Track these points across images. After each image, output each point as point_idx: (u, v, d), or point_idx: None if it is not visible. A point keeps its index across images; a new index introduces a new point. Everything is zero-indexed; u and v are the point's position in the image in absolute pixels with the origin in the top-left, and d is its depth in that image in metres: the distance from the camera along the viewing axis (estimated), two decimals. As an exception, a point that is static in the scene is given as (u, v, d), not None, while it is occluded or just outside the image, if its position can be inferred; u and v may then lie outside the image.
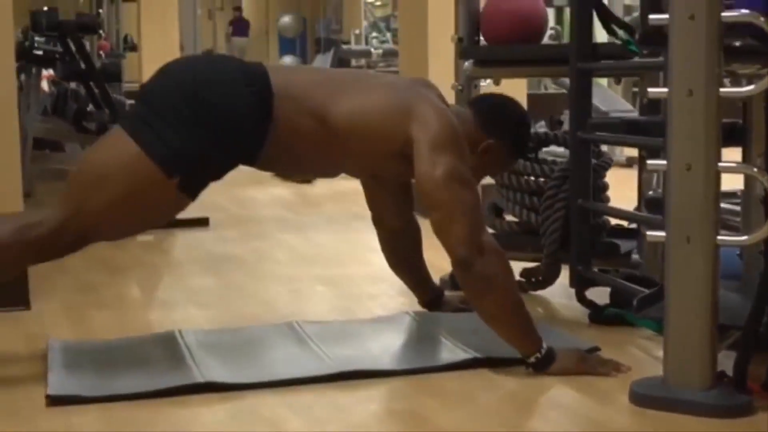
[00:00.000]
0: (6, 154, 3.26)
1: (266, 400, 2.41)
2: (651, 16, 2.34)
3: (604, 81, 8.10)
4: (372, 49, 13.21)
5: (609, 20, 3.18)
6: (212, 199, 5.97)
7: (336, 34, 18.26)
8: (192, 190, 2.62)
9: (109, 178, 2.54)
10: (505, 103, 2.93)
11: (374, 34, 16.35)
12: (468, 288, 2.58)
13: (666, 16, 2.27)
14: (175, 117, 2.54)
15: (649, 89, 2.46)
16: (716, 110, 2.25)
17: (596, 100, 6.36)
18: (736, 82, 3.00)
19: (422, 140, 2.63)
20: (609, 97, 6.76)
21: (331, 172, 2.97)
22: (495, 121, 2.86)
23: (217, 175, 2.69)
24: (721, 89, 2.24)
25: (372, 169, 2.88)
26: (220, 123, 2.57)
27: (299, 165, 2.84)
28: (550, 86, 9.05)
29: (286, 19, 19.44)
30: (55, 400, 2.38)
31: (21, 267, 2.66)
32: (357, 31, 16.18)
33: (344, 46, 14.33)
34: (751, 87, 2.28)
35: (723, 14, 2.22)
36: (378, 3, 19.11)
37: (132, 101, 6.16)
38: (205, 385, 2.46)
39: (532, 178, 3.40)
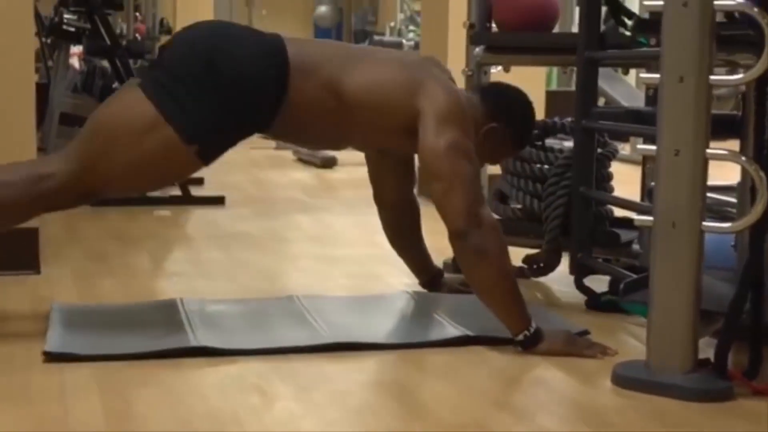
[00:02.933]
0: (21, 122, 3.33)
1: (256, 366, 2.46)
2: (645, 2, 2.38)
3: (631, 79, 8.10)
4: (404, 41, 13.24)
5: (617, 9, 3.20)
6: (231, 179, 6.08)
7: (371, 26, 18.29)
8: (208, 157, 2.69)
9: (127, 138, 2.60)
10: (511, 90, 2.98)
11: (411, 27, 16.37)
12: (462, 258, 2.63)
13: (660, 2, 2.30)
14: (195, 85, 2.60)
15: (641, 74, 2.49)
16: (706, 97, 2.27)
17: (618, 95, 6.40)
18: (734, 73, 3.01)
19: (429, 113, 2.70)
20: (633, 93, 6.76)
21: (338, 144, 3.04)
22: (499, 106, 2.90)
23: (233, 142, 2.75)
24: (712, 77, 2.27)
25: (379, 142, 2.93)
26: (238, 94, 2.63)
27: (309, 135, 2.90)
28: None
29: (322, 9, 19.47)
30: (51, 357, 2.45)
31: (28, 217, 2.71)
32: (392, 24, 16.20)
33: (377, 38, 14.37)
34: (740, 75, 2.30)
35: (715, 2, 2.25)
36: (416, -4, 19.12)
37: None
38: (197, 350, 2.51)
39: (537, 165, 3.43)
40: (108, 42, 5.42)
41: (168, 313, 2.85)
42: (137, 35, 11.86)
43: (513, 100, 2.94)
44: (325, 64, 2.75)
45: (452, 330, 2.74)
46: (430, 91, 2.73)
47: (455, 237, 2.61)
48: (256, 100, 2.67)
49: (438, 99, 2.71)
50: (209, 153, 2.68)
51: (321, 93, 2.72)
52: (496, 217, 3.53)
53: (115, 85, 5.87)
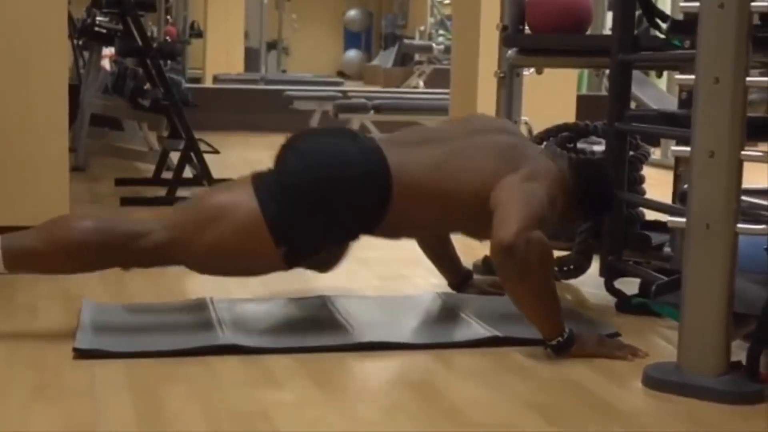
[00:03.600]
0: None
1: (286, 365, 2.46)
2: (682, 4, 2.36)
3: (662, 84, 8.07)
4: (434, 45, 13.25)
5: (652, 12, 3.19)
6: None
7: (401, 30, 18.31)
8: (293, 263, 2.74)
9: (226, 223, 2.65)
10: (602, 177, 2.97)
11: (441, 31, 16.37)
12: (506, 273, 2.59)
13: (697, 3, 2.28)
14: (301, 200, 2.66)
15: (677, 75, 2.48)
16: (742, 99, 2.26)
17: (648, 99, 6.37)
18: (768, 75, 3.00)
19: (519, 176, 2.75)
20: (663, 97, 6.72)
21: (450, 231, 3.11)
22: (588, 192, 2.89)
23: (321, 250, 2.81)
24: (748, 78, 2.25)
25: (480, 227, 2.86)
26: (340, 218, 2.71)
27: (414, 233, 3.03)
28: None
29: (352, 13, 19.53)
30: (81, 353, 2.46)
31: (110, 266, 2.76)
32: (422, 28, 16.22)
33: (407, 41, 14.39)
34: (777, 76, 2.28)
35: (752, 4, 2.23)
36: (446, 1, 19.13)
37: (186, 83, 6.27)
38: (227, 347, 2.52)
39: (569, 167, 3.41)
40: (140, 43, 5.44)
41: (198, 312, 2.86)
42: (167, 37, 11.96)
43: (602, 188, 2.94)
44: (427, 172, 2.75)
45: (481, 330, 2.73)
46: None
47: (502, 250, 2.56)
48: (357, 220, 2.75)
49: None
50: (295, 259, 2.73)
51: (423, 198, 2.75)
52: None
53: (147, 86, 5.92)
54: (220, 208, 2.69)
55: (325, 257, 2.84)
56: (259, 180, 2.72)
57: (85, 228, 2.64)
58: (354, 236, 2.81)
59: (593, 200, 2.91)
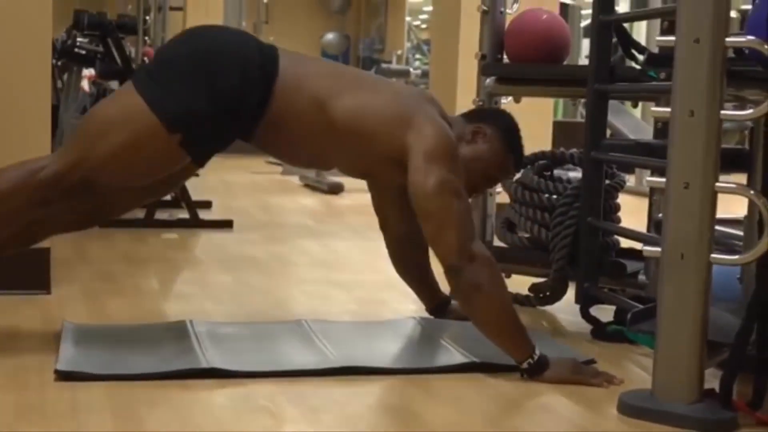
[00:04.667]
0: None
1: (265, 388, 2.48)
2: (658, 38, 2.42)
3: (638, 113, 8.16)
4: (411, 69, 13.32)
5: (628, 43, 3.24)
6: (239, 204, 6.12)
7: (378, 54, 18.38)
8: (193, 150, 2.73)
9: (114, 127, 2.68)
10: (489, 107, 3.07)
11: (417, 56, 16.47)
12: (458, 293, 2.68)
13: (672, 38, 2.34)
14: (182, 80, 2.68)
15: (653, 108, 2.53)
16: (716, 131, 2.31)
17: (624, 128, 6.45)
18: (743, 107, 3.05)
19: (417, 150, 2.72)
20: (639, 126, 6.81)
21: (323, 164, 3.13)
22: (479, 113, 3.02)
23: (218, 140, 2.78)
24: (723, 111, 2.30)
25: (364, 168, 2.97)
26: (222, 91, 2.69)
27: (293, 150, 2.93)
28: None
29: (329, 36, 19.60)
30: (63, 375, 2.47)
31: (24, 215, 2.75)
32: (399, 52, 16.29)
33: (384, 65, 14.44)
34: (751, 111, 2.34)
35: (727, 39, 2.29)
36: (423, 26, 19.22)
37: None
38: (208, 371, 2.54)
39: (545, 194, 3.46)
40: (121, 66, 5.46)
41: (178, 335, 2.87)
42: (145, 58, 11.95)
43: (491, 109, 3.05)
44: (316, 81, 2.79)
45: (459, 356, 2.76)
46: (418, 127, 2.75)
47: (449, 273, 2.65)
48: (239, 99, 2.71)
49: (426, 135, 2.74)
50: (194, 145, 2.71)
51: (308, 107, 2.75)
52: (503, 245, 3.58)
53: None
54: (106, 114, 2.75)
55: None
56: (139, 76, 2.77)
57: None
58: (240, 120, 2.75)
59: (494, 120, 2.95)
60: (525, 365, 2.60)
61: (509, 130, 2.98)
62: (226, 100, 2.70)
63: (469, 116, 3.01)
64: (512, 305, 2.67)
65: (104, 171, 2.71)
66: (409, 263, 3.23)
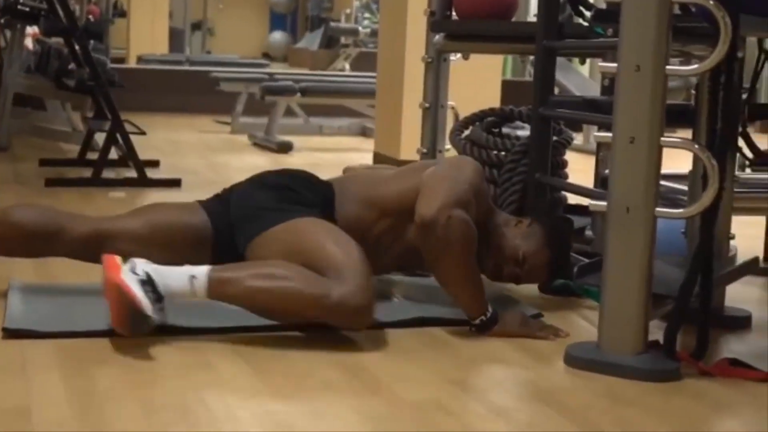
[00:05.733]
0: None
1: (214, 345, 2.49)
2: (605, -7, 2.43)
3: (585, 70, 8.19)
4: (360, 28, 13.28)
5: (576, 1, 3.26)
6: (187, 162, 6.08)
7: (327, 13, 18.29)
8: None
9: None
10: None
11: (366, 14, 16.37)
12: (427, 248, 2.64)
13: (619, -7, 2.35)
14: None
15: (600, 63, 2.55)
16: (662, 87, 2.34)
17: (572, 85, 6.48)
18: (688, 63, 3.09)
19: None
20: (586, 83, 6.84)
21: (408, 261, 3.00)
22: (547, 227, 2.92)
23: None
24: (668, 66, 2.33)
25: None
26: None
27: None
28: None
29: (278, -5, 19.46)
30: (10, 333, 2.47)
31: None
32: (348, 11, 16.20)
33: (333, 24, 14.38)
34: (695, 66, 2.37)
35: (672, -6, 2.31)
36: (371, -16, 19.15)
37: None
38: (158, 327, 2.53)
39: (494, 151, 3.48)
40: (66, 23, 5.39)
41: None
42: (90, 16, 11.80)
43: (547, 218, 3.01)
44: (362, 185, 2.89)
45: (411, 311, 2.78)
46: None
47: (424, 225, 2.61)
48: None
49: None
50: None
51: (362, 210, 2.82)
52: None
53: (71, 66, 5.86)
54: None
55: None
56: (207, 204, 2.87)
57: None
58: None
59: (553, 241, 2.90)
60: (477, 321, 2.62)
61: (555, 229, 2.94)
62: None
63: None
64: (477, 268, 2.67)
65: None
66: None
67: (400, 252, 2.86)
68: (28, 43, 7.08)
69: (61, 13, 5.49)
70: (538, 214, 3.03)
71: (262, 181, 2.88)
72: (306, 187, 2.84)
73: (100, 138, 5.44)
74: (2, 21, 6.88)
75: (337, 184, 2.90)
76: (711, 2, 2.31)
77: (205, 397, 2.15)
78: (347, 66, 13.35)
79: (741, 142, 2.82)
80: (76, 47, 5.51)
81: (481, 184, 2.81)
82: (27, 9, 6.02)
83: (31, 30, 7.06)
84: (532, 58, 3.52)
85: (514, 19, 3.74)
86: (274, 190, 2.81)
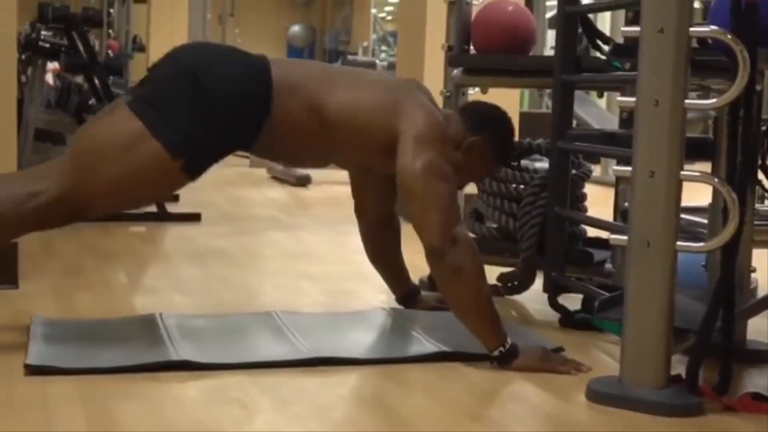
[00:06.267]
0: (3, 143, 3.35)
1: (237, 380, 2.49)
2: (623, 28, 2.44)
3: (603, 103, 8.21)
4: (377, 61, 13.34)
5: (593, 34, 3.27)
6: (207, 197, 6.11)
7: (344, 46, 18.39)
8: (194, 172, 2.75)
9: (113, 155, 2.65)
10: (489, 106, 3.04)
11: (383, 47, 16.47)
12: (438, 276, 2.68)
13: (637, 28, 2.36)
14: (180, 102, 2.67)
15: (619, 98, 2.55)
16: (681, 120, 2.34)
17: (590, 118, 6.49)
18: (706, 97, 3.09)
19: (407, 134, 2.76)
20: (604, 116, 6.85)
21: (320, 163, 3.09)
22: (479, 119, 2.96)
23: (218, 158, 2.82)
24: (687, 101, 2.33)
25: (361, 161, 2.99)
26: (223, 110, 2.70)
27: (291, 153, 2.96)
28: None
29: (295, 29, 19.58)
30: (33, 370, 2.47)
31: (17, 235, 2.80)
32: (365, 44, 16.31)
33: (350, 57, 14.45)
34: (714, 100, 2.37)
35: (691, 29, 2.32)
36: (389, 18, 19.24)
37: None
38: (179, 364, 2.54)
39: (513, 185, 3.49)
40: (87, 59, 5.44)
41: (147, 328, 2.87)
42: (109, 52, 11.89)
43: (492, 114, 2.99)
44: (308, 84, 2.81)
45: (430, 346, 2.78)
46: (409, 113, 2.79)
47: (431, 255, 2.66)
48: (240, 117, 2.74)
49: (416, 121, 2.78)
50: (195, 167, 2.73)
51: (304, 112, 2.78)
52: (471, 235, 3.59)
53: (92, 101, 5.90)
54: (103, 140, 2.68)
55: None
56: (134, 98, 2.72)
57: None
58: (242, 137, 2.78)
59: (490, 129, 2.93)
60: (496, 353, 2.62)
61: (503, 141, 2.98)
62: (227, 121, 2.72)
63: (465, 115, 2.98)
64: (490, 292, 2.69)
65: (102, 198, 2.71)
66: (382, 248, 3.26)
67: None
68: (49, 78, 7.14)
69: (81, 48, 5.53)
70: (479, 121, 2.96)
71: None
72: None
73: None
74: (23, 57, 6.95)
75: (277, 71, 2.80)
76: (729, 36, 2.32)
77: (227, 434, 2.15)
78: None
79: (760, 175, 2.80)
80: (97, 82, 5.55)
81: (438, 133, 2.78)
82: (48, 45, 6.08)
83: (52, 66, 7.13)
84: (549, 90, 3.52)
85: (531, 53, 3.74)
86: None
